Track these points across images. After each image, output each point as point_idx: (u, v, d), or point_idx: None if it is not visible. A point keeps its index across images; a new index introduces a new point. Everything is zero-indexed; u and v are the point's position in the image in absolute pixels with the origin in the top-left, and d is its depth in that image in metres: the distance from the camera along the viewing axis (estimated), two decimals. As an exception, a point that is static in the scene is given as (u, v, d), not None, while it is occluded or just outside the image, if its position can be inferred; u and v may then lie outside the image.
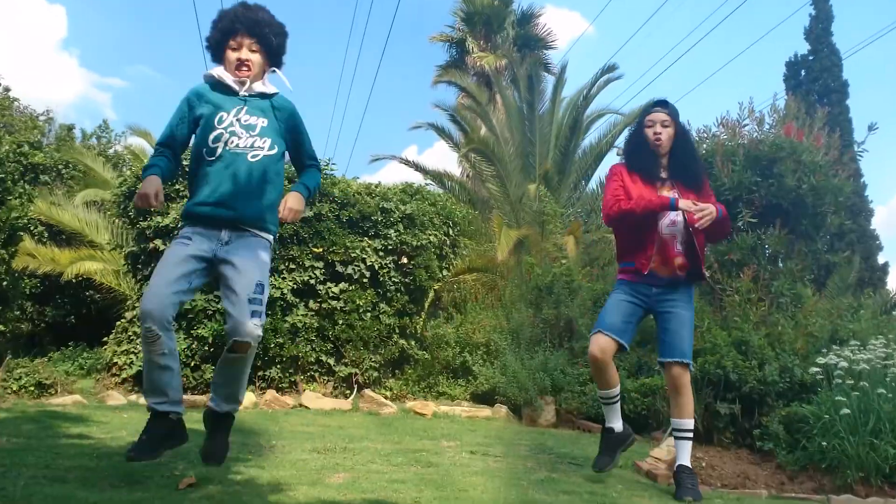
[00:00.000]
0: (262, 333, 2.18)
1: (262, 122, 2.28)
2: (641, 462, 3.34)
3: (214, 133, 2.22)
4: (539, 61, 14.98)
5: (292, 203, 2.26)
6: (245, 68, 2.26)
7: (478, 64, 15.85)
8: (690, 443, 2.74)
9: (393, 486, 2.42)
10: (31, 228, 7.69)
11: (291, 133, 2.36)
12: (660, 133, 2.77)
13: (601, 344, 2.66)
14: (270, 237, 2.31)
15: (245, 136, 2.24)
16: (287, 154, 2.40)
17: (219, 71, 2.30)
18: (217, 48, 2.30)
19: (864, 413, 3.14)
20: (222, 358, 2.21)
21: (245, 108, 2.27)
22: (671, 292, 2.71)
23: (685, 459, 2.70)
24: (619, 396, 2.83)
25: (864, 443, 3.04)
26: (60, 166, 9.09)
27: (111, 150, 11.50)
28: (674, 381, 2.68)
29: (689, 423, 2.71)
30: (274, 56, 2.35)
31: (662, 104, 2.84)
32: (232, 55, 2.26)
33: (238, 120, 2.25)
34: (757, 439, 3.90)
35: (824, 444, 3.19)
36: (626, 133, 10.97)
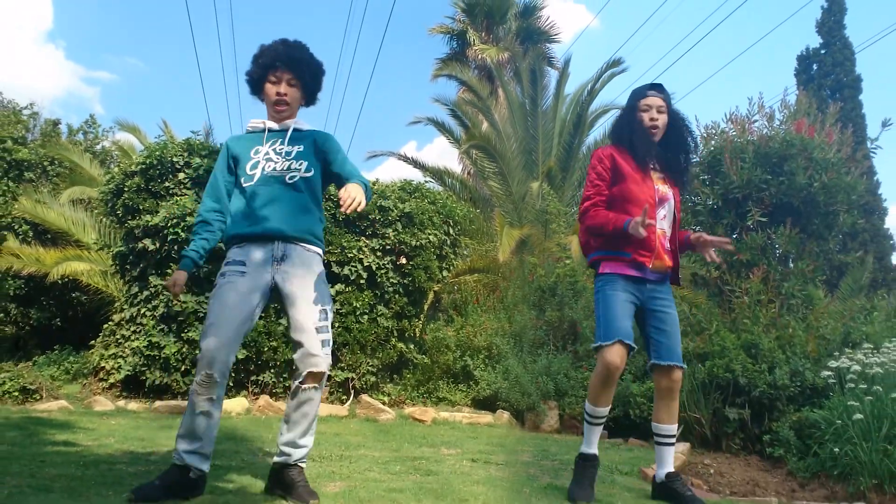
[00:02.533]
0: (331, 361, 2.26)
1: (297, 148, 2.41)
2: (647, 469, 3.34)
3: (251, 162, 2.38)
4: (542, 55, 15.00)
5: (353, 190, 2.13)
6: (283, 105, 2.42)
7: (479, 57, 15.86)
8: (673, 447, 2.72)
9: (391, 495, 2.42)
10: (16, 227, 7.71)
11: (329, 154, 2.42)
12: (656, 119, 2.61)
13: (622, 354, 2.48)
14: (321, 251, 2.41)
15: (281, 160, 2.37)
16: (331, 179, 2.44)
17: (252, 122, 2.50)
18: (257, 82, 2.45)
19: (878, 418, 3.14)
20: (294, 392, 2.24)
21: (279, 140, 2.42)
22: (661, 290, 2.62)
23: (671, 465, 2.66)
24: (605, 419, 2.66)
25: (877, 449, 3.04)
26: (46, 163, 9.10)
27: (98, 146, 11.52)
28: (673, 385, 2.60)
29: (675, 427, 2.68)
30: (310, 93, 2.50)
31: (658, 88, 2.67)
32: (272, 89, 2.41)
33: (273, 149, 2.40)
34: (767, 445, 3.91)
35: (836, 450, 3.19)
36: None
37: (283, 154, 2.38)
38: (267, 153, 2.38)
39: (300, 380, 2.20)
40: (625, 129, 2.71)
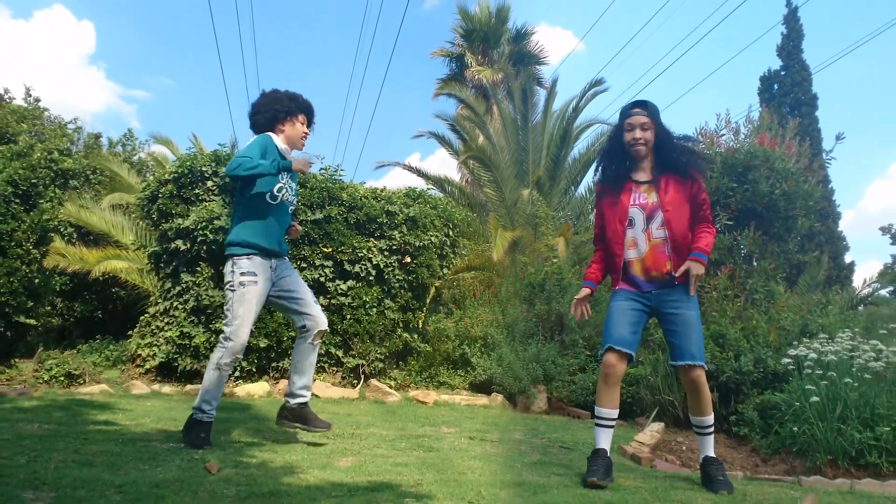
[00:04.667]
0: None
1: None
2: (626, 446, 3.34)
3: (278, 185, 2.79)
4: (532, 76, 15.02)
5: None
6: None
7: (476, 77, 15.85)
8: (713, 436, 2.55)
9: (397, 469, 2.42)
10: (62, 230, 7.69)
11: None
12: (639, 138, 2.47)
13: (614, 360, 2.41)
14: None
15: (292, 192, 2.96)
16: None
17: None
18: (286, 117, 2.91)
19: (832, 401, 3.14)
20: (305, 349, 2.79)
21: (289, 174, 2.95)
22: (671, 293, 2.46)
23: (710, 451, 2.52)
24: (615, 422, 2.50)
25: (832, 428, 3.04)
26: (88, 172, 9.08)
27: (135, 157, 11.48)
28: (692, 384, 2.46)
29: (710, 419, 2.53)
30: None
31: (641, 105, 2.51)
32: (302, 128, 2.94)
33: (289, 179, 2.90)
34: (733, 425, 3.91)
35: (795, 429, 3.19)
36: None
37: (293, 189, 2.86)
38: (286, 182, 2.81)
39: (310, 340, 2.78)
40: (602, 155, 2.66)
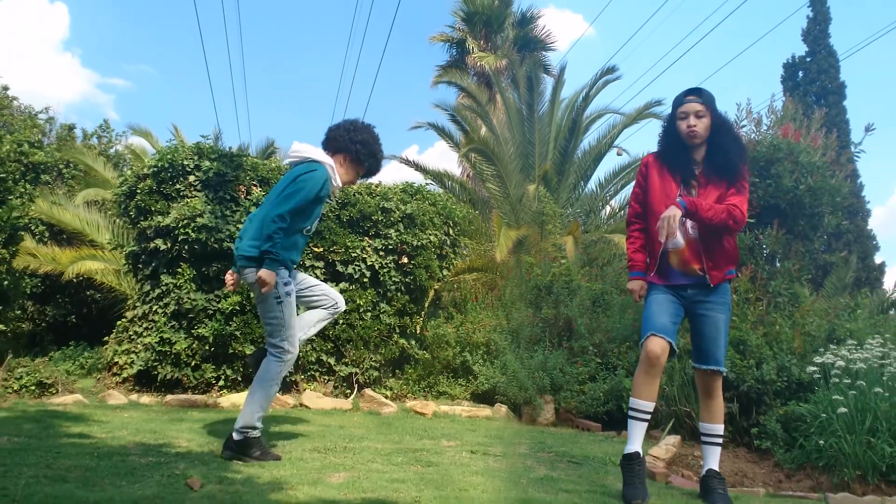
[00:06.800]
0: None
1: None
2: (640, 461, 3.33)
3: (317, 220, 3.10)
4: (538, 62, 15.00)
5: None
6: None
7: (478, 64, 15.86)
8: (720, 448, 2.63)
9: (393, 485, 2.42)
10: (32, 228, 7.70)
11: None
12: (694, 125, 2.55)
13: (658, 349, 2.45)
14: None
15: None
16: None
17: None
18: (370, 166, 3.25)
19: (861, 412, 3.14)
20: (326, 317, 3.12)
21: None
22: (708, 294, 2.57)
23: (715, 464, 2.60)
24: (650, 417, 2.51)
25: (860, 441, 3.04)
26: (61, 166, 9.08)
27: (112, 150, 11.49)
28: (706, 387, 2.61)
29: (720, 427, 2.62)
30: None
31: (696, 92, 2.60)
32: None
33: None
34: (755, 438, 3.91)
35: (821, 442, 3.19)
36: (626, 133, 10.94)
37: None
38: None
39: (333, 313, 3.14)
40: (661, 142, 2.71)
